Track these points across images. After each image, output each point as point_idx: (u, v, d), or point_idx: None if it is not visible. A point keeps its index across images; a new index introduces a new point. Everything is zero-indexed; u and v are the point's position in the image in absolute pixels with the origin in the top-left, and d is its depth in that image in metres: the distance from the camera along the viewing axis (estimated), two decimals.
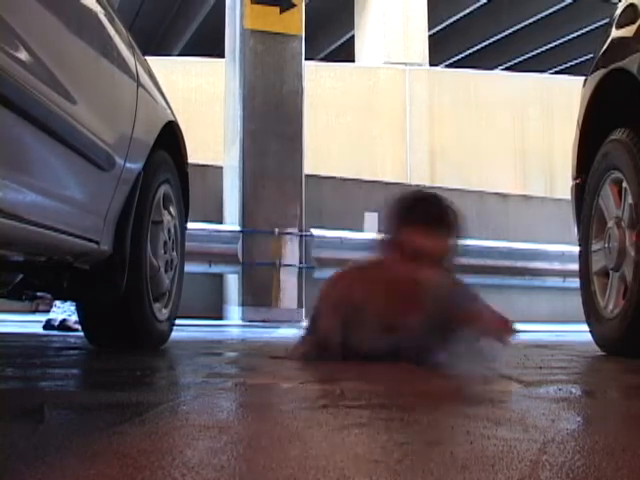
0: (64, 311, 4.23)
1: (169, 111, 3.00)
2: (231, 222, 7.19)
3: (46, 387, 1.66)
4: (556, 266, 7.99)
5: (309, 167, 7.47)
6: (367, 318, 2.21)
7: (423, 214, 2.30)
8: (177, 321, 3.14)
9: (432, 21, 12.51)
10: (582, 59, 15.96)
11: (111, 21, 2.41)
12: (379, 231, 2.32)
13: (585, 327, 3.08)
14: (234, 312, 7.06)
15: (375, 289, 2.25)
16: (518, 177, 10.97)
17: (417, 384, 1.83)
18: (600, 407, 1.52)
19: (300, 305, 7.02)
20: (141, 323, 2.69)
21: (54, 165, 1.93)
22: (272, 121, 7.10)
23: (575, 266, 3.25)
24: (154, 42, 15.96)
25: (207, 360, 2.51)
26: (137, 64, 2.61)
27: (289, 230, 7.04)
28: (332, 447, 0.98)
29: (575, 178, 3.27)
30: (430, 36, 12.29)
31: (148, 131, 2.70)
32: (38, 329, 4.22)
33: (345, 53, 14.17)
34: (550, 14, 15.13)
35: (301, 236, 7.08)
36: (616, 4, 3.15)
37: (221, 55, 7.87)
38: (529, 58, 17.46)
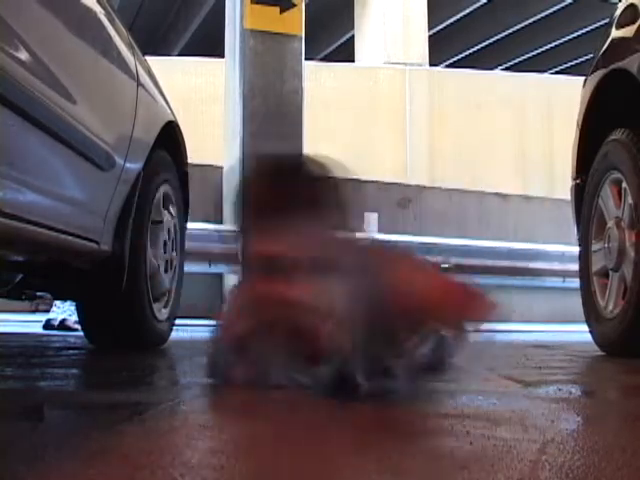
0: (64, 311, 4.24)
1: (169, 111, 3.01)
2: (231, 222, 7.18)
3: (46, 387, 1.66)
4: (556, 266, 7.98)
5: None
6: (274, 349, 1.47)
7: (259, 195, 1.37)
8: (177, 321, 3.13)
9: (432, 21, 12.49)
10: (582, 59, 15.94)
11: (111, 21, 2.41)
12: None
13: (585, 327, 3.08)
14: None
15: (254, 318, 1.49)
16: (518, 177, 10.95)
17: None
18: (600, 407, 1.52)
19: None
20: (141, 323, 2.69)
21: (54, 165, 1.93)
22: (272, 121, 7.10)
23: (575, 266, 3.25)
24: (154, 42, 15.94)
25: None
26: (137, 64, 2.61)
27: None
28: (332, 447, 0.98)
29: (575, 178, 3.27)
30: (430, 36, 12.27)
31: (148, 131, 2.70)
32: (38, 329, 4.21)
33: (345, 53, 14.16)
34: (550, 14, 15.11)
35: None
36: (616, 4, 3.15)
37: (221, 55, 7.86)
38: (529, 58, 17.45)
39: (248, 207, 1.40)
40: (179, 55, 15.73)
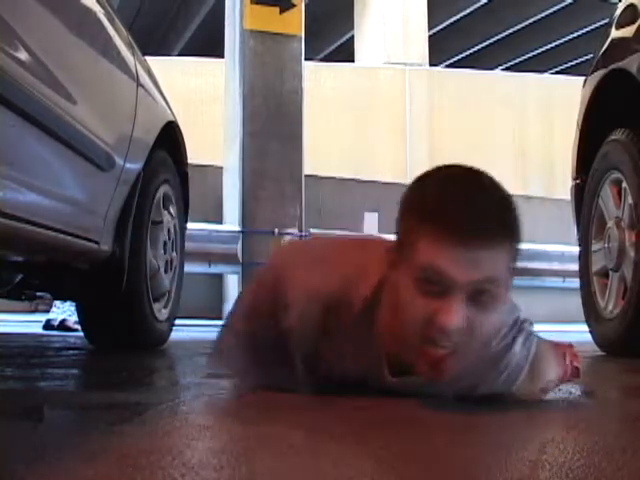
0: (64, 311, 4.24)
1: (169, 111, 3.01)
2: (231, 222, 7.18)
3: (46, 387, 1.66)
4: (556, 266, 7.99)
5: (309, 167, 7.47)
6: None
7: (451, 213, 1.21)
8: (177, 321, 3.13)
9: (432, 21, 12.49)
10: (582, 59, 15.94)
11: (111, 21, 2.41)
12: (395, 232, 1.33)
13: (585, 327, 3.08)
14: None
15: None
16: (518, 177, 10.95)
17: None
18: (600, 407, 1.52)
19: None
20: (141, 323, 2.69)
21: (54, 165, 1.93)
22: (272, 121, 7.10)
23: (575, 266, 3.25)
24: (154, 42, 15.95)
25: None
26: (137, 64, 2.61)
27: (289, 230, 7.03)
28: (331, 448, 0.98)
29: (575, 178, 3.27)
30: (430, 36, 12.27)
31: (148, 131, 2.70)
32: (38, 329, 4.22)
33: (345, 53, 14.16)
34: (550, 14, 15.12)
35: (301, 236, 7.08)
36: (616, 4, 3.15)
37: (221, 55, 7.86)
38: (529, 58, 17.45)
39: (418, 217, 1.26)
40: (179, 55, 15.73)
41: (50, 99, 1.78)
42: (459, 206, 1.22)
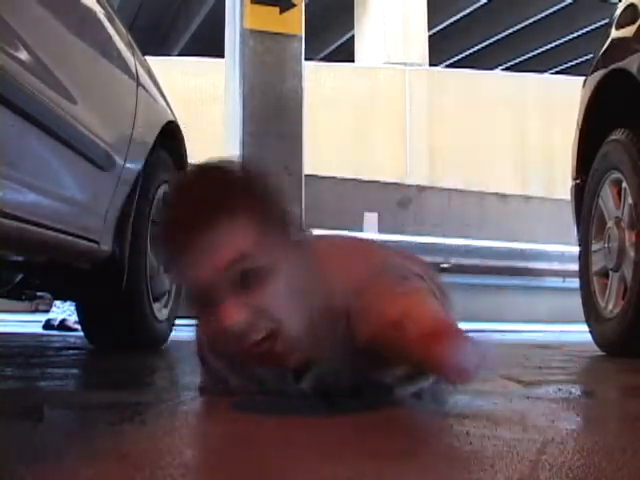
0: (64, 311, 4.24)
1: (169, 111, 3.01)
2: None
3: (46, 387, 1.66)
4: (556, 266, 8.00)
5: (309, 167, 7.47)
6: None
7: (166, 219, 1.20)
8: (177, 321, 3.13)
9: (432, 21, 12.49)
10: (582, 59, 15.94)
11: (111, 21, 2.41)
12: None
13: (585, 327, 3.08)
14: None
15: None
16: (518, 177, 10.96)
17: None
18: (600, 407, 1.52)
19: None
20: (141, 323, 2.69)
21: (54, 165, 1.93)
22: (272, 121, 7.10)
23: (575, 266, 3.25)
24: (154, 42, 15.94)
25: None
26: (137, 64, 2.61)
27: None
28: (330, 448, 0.98)
29: (575, 178, 3.27)
30: (430, 36, 12.27)
31: (148, 131, 2.70)
32: (38, 329, 4.22)
33: (345, 53, 14.16)
34: (550, 14, 15.12)
35: None
36: (616, 4, 3.15)
37: (221, 55, 7.86)
38: (529, 58, 17.45)
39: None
40: (179, 55, 15.73)
41: (50, 99, 1.78)
42: (172, 208, 1.16)
